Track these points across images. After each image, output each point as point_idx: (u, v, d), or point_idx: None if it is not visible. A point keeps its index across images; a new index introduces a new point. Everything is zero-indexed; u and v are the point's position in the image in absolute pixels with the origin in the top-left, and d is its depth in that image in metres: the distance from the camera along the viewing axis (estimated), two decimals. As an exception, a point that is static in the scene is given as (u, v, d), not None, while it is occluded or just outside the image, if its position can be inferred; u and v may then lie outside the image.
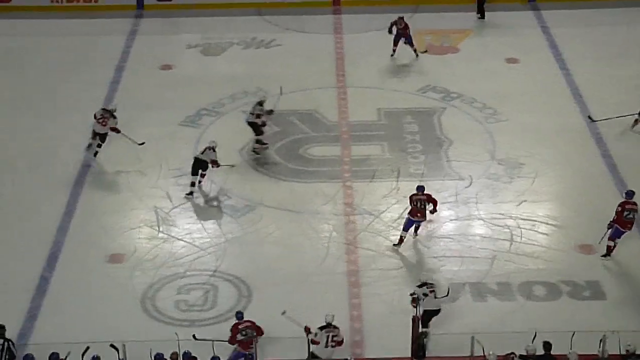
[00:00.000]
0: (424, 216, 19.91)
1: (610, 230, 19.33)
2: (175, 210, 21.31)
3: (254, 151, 23.34)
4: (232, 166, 22.50)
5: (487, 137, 23.94)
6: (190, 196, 21.65)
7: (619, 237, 19.37)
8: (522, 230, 20.46)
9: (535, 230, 20.38)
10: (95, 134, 22.72)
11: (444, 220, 20.92)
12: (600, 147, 23.35)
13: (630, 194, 19.56)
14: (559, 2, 31.35)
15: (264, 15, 30.83)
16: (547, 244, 20.13)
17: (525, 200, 21.43)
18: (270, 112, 23.33)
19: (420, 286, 17.37)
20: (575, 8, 30.85)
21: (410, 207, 19.88)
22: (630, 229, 19.29)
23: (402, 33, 27.21)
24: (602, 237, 19.48)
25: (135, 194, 21.89)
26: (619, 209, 19.21)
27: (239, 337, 16.77)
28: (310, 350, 16.58)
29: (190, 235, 20.53)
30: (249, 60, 27.44)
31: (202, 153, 21.70)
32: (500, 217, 20.90)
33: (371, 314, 18.26)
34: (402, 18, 27.17)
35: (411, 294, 17.28)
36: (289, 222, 20.93)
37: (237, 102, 25.48)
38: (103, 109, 23.06)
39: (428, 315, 17.34)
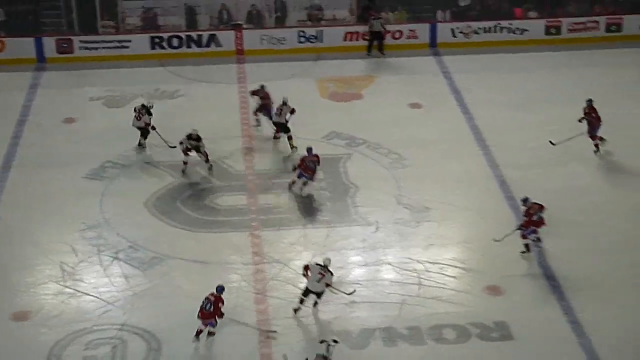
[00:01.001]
0: (313, 174, 23.12)
1: (523, 231, 20.67)
2: (82, 265, 20.98)
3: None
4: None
5: (393, 182, 24.13)
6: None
7: (534, 234, 20.72)
8: (431, 273, 20.60)
9: (443, 274, 20.53)
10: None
11: (352, 266, 20.98)
12: (503, 190, 23.70)
13: (525, 199, 20.93)
14: (460, 48, 31.99)
15: (167, 67, 30.79)
16: (455, 287, 20.28)
17: (432, 244, 21.62)
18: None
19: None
20: (476, 54, 31.50)
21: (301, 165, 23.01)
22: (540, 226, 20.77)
23: (262, 104, 26.52)
24: (503, 237, 20.57)
25: (40, 249, 21.51)
26: (526, 214, 20.76)
27: None
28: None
29: (97, 289, 20.21)
30: (153, 111, 27.30)
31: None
32: (409, 261, 21.02)
33: (282, 363, 18.18)
34: (263, 87, 26.62)
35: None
36: (198, 274, 20.74)
37: (142, 154, 25.31)
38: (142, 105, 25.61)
39: (307, 292, 19.06)
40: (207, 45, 31.75)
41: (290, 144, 25.34)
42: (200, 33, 31.96)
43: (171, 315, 19.37)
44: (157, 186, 23.24)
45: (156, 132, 25.07)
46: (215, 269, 20.83)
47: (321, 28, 32.45)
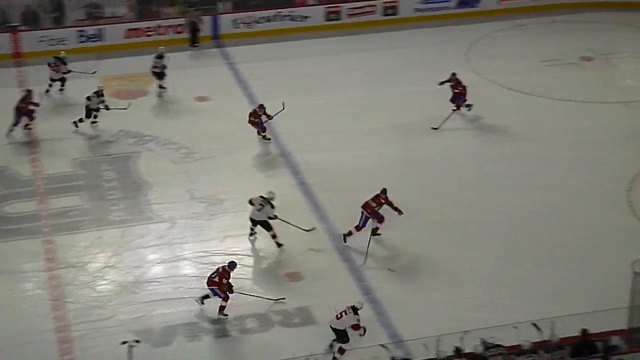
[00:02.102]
0: None
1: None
2: None
3: None
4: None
5: (185, 176, 24.04)
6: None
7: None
8: (229, 265, 20.64)
9: (242, 264, 20.54)
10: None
11: (150, 265, 20.78)
12: (295, 176, 23.99)
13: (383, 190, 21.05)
14: (244, 38, 32.14)
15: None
16: (254, 277, 20.41)
17: (228, 236, 21.64)
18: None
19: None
20: (260, 43, 31.73)
21: None
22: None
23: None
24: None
25: None
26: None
27: None
28: None
29: None
30: None
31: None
32: (206, 254, 20.98)
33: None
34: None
35: None
36: (-10, 285, 20.11)
37: None
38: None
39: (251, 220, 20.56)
40: (-18, 49, 30.69)
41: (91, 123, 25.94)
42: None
43: (-36, 330, 18.69)
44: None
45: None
46: (7, 279, 20.23)
47: (101, 26, 31.89)
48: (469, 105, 26.68)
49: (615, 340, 16.73)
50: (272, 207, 20.87)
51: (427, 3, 34.23)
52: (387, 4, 33.94)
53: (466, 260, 20.64)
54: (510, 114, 27.10)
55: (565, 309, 17.94)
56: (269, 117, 25.25)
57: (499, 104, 27.87)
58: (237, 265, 19.31)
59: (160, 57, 28.34)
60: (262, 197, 20.88)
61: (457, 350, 16.28)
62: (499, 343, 16.39)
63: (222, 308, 19.08)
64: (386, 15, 33.93)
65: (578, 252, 20.67)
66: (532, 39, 32.77)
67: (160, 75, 28.36)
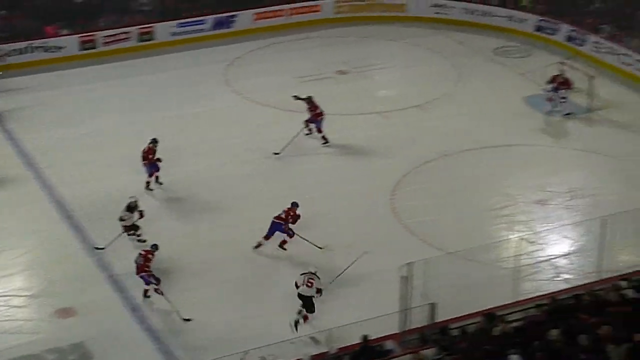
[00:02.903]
0: None
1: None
2: None
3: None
4: None
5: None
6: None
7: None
8: (-3, 308, 19.94)
9: (10, 305, 19.86)
10: None
11: None
12: (59, 209, 23.42)
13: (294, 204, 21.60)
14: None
15: None
16: (24, 316, 19.74)
17: (-4, 277, 20.90)
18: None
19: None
20: (13, 76, 30.78)
21: None
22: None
23: None
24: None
25: None
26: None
27: None
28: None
29: None
30: None
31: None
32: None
33: None
34: None
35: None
36: None
37: None
38: None
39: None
40: None
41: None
42: None
43: None
44: None
45: None
46: None
47: None
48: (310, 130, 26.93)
49: (389, 344, 17.16)
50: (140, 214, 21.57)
51: (182, 27, 34.26)
52: (143, 30, 33.76)
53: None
54: (271, 131, 27.39)
55: (341, 319, 18.26)
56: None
57: (260, 121, 28.17)
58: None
59: None
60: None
61: (240, 370, 16.32)
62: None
63: (146, 291, 19.93)
64: (142, 41, 33.72)
65: (348, 259, 20.97)
66: (288, 56, 33.40)
67: None
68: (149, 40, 33.87)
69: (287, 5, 35.81)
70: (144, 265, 19.70)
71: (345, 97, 30.00)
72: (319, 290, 19.05)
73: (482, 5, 35.94)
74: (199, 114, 28.44)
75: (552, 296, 17.92)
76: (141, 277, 19.78)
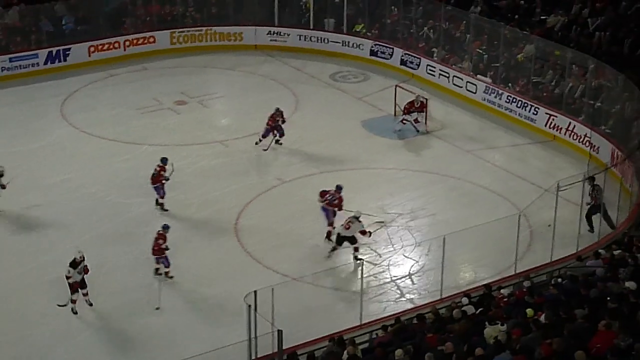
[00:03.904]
0: None
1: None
2: None
3: None
4: None
5: None
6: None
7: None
8: None
9: None
10: None
11: None
12: None
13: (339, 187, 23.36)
14: None
15: None
16: None
17: None
18: None
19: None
20: None
21: None
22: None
23: None
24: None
25: None
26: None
27: None
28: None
29: None
30: None
31: None
32: None
33: None
34: None
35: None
36: None
37: None
38: None
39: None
40: None
41: None
42: None
43: None
44: None
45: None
46: None
47: None
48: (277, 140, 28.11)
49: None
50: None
51: (13, 61, 33.48)
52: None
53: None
54: (109, 163, 27.10)
55: (185, 351, 18.00)
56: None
57: (96, 154, 27.72)
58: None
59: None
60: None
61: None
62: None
63: (160, 273, 21.26)
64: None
65: (185, 289, 20.83)
66: (126, 88, 33.03)
67: None
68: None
69: (122, 37, 35.48)
70: (156, 245, 21.05)
71: (185, 127, 29.89)
72: (364, 232, 22.14)
73: (317, 32, 36.41)
74: (34, 149, 27.77)
75: (397, 316, 18.23)
76: (156, 258, 21.17)
